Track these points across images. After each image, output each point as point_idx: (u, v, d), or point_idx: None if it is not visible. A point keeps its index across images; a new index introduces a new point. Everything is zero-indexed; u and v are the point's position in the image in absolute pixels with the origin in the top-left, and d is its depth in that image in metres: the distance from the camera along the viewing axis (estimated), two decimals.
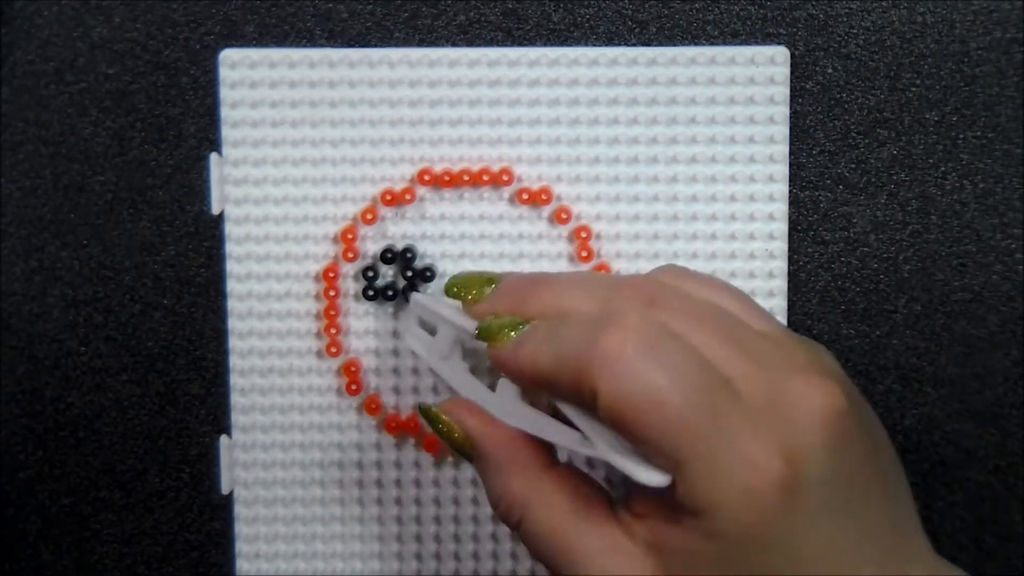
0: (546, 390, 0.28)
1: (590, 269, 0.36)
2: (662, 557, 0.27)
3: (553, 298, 0.29)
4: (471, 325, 0.30)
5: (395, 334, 0.37)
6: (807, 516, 0.25)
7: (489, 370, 0.35)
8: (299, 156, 0.36)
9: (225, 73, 0.36)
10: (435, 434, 0.31)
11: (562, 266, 0.37)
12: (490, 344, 0.29)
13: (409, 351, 0.37)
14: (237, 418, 0.37)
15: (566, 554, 0.28)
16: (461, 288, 0.31)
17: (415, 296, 0.35)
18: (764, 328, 0.28)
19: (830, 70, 0.36)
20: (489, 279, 0.31)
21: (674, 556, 0.26)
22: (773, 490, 0.25)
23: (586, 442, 0.28)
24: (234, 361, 0.37)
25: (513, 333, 0.28)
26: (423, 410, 0.31)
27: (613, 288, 0.29)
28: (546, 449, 0.30)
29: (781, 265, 0.37)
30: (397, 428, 0.37)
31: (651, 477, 0.26)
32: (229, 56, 0.36)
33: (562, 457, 0.31)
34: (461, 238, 0.37)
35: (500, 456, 0.30)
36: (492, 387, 0.31)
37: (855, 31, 0.36)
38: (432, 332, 0.34)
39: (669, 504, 0.26)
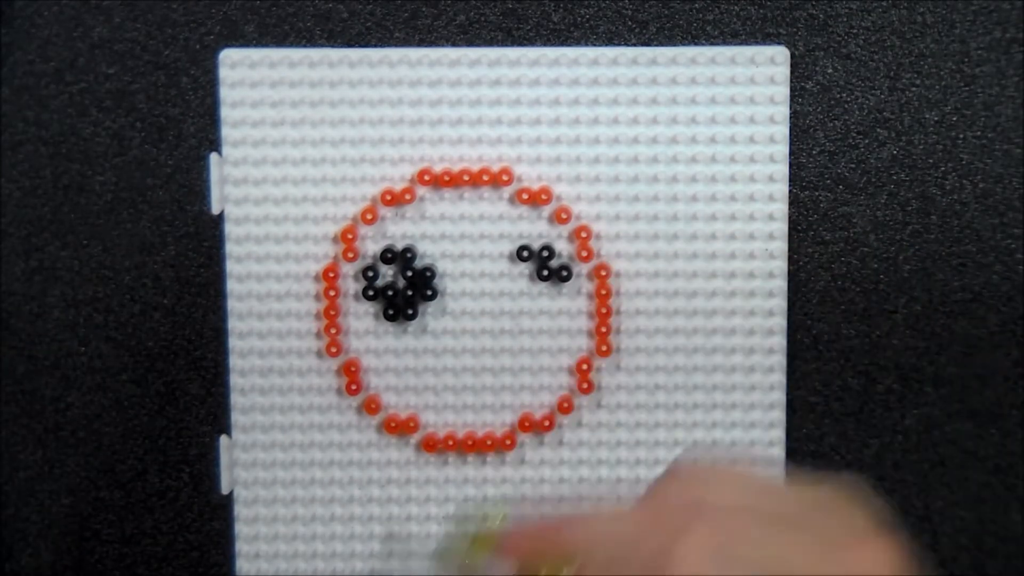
0: None
1: (591, 269, 0.36)
2: None
3: (588, 535, 0.27)
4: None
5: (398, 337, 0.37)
6: None
7: None
8: (299, 156, 0.36)
9: (225, 73, 0.36)
10: None
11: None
12: None
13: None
14: (237, 418, 0.37)
15: None
16: (468, 548, 0.30)
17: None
18: (799, 496, 0.27)
19: (830, 70, 0.36)
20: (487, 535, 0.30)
21: None
22: None
23: None
24: (234, 361, 0.37)
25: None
26: None
27: (653, 518, 0.27)
28: None
29: (781, 265, 0.37)
30: (397, 428, 0.37)
31: None
32: (229, 56, 0.36)
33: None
34: (461, 238, 0.37)
35: None
36: None
37: (855, 31, 0.36)
38: None
39: None
